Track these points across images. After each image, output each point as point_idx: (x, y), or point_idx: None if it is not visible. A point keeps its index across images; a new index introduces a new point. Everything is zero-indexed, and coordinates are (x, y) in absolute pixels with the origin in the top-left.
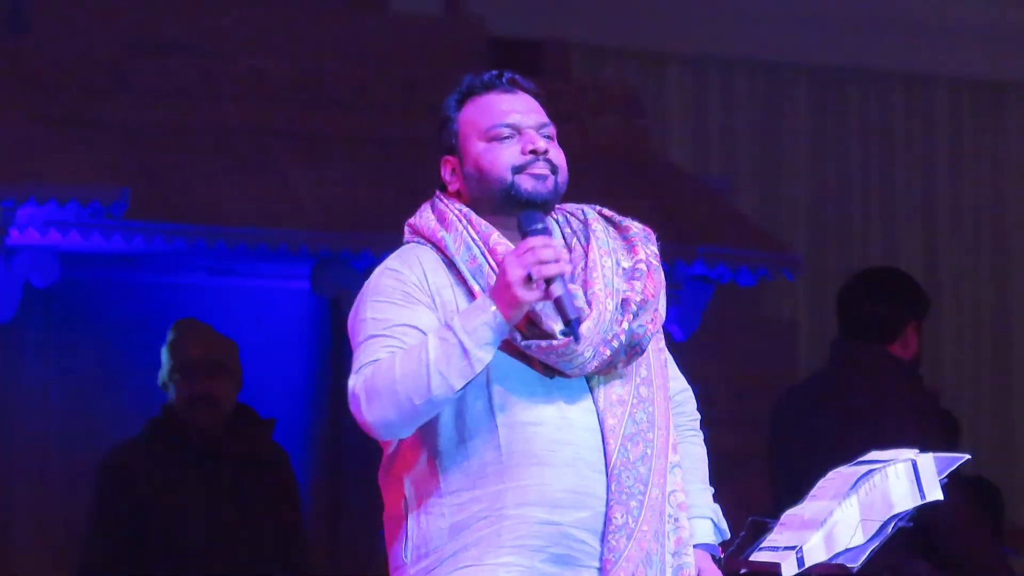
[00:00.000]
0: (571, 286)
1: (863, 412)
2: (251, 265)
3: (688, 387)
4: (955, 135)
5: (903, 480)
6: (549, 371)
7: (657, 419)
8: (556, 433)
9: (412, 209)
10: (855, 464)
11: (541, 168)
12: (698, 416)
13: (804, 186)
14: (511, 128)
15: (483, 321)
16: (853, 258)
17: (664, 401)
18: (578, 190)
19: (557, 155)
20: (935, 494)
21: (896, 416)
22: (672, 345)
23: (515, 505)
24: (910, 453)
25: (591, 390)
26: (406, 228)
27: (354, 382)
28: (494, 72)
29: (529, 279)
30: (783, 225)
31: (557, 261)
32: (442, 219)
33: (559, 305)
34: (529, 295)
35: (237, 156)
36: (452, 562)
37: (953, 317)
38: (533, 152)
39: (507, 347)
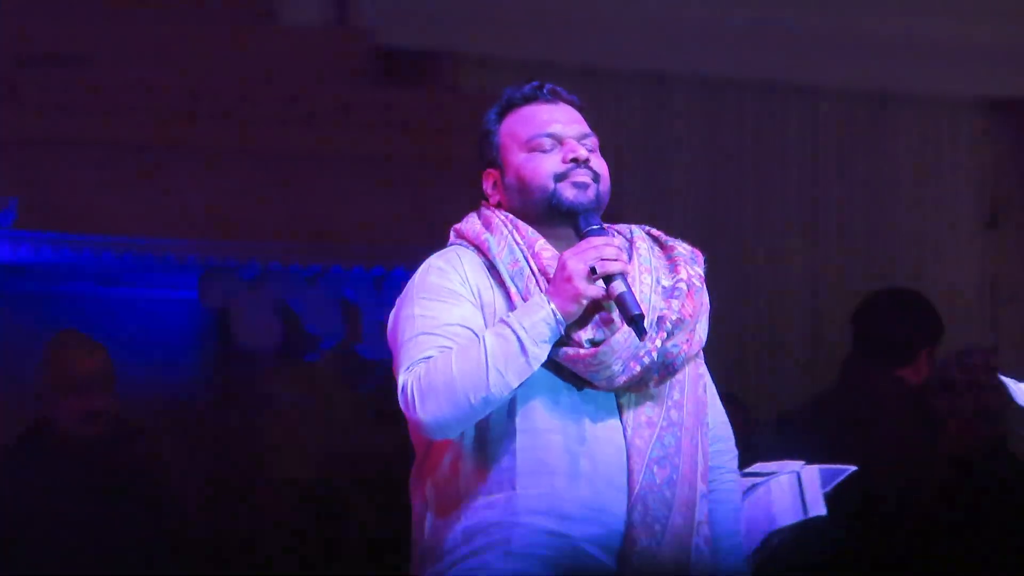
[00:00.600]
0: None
1: (855, 438)
2: (138, 275)
3: (727, 420)
4: (841, 145)
5: (786, 494)
6: (579, 382)
7: (686, 445)
8: (574, 445)
9: (298, 219)
10: (742, 475)
11: (583, 176)
12: (736, 452)
13: (691, 197)
14: (552, 138)
15: (541, 317)
16: (741, 267)
17: (697, 427)
18: (465, 201)
19: (599, 164)
20: (819, 510)
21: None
22: None
23: (526, 513)
24: (795, 465)
25: (620, 408)
26: (451, 233)
27: (405, 379)
28: (535, 83)
29: (591, 273)
30: (671, 235)
31: (617, 260)
32: (487, 224)
33: (621, 302)
34: (591, 290)
35: (124, 167)
36: (463, 566)
37: (837, 332)
38: (574, 160)
39: None
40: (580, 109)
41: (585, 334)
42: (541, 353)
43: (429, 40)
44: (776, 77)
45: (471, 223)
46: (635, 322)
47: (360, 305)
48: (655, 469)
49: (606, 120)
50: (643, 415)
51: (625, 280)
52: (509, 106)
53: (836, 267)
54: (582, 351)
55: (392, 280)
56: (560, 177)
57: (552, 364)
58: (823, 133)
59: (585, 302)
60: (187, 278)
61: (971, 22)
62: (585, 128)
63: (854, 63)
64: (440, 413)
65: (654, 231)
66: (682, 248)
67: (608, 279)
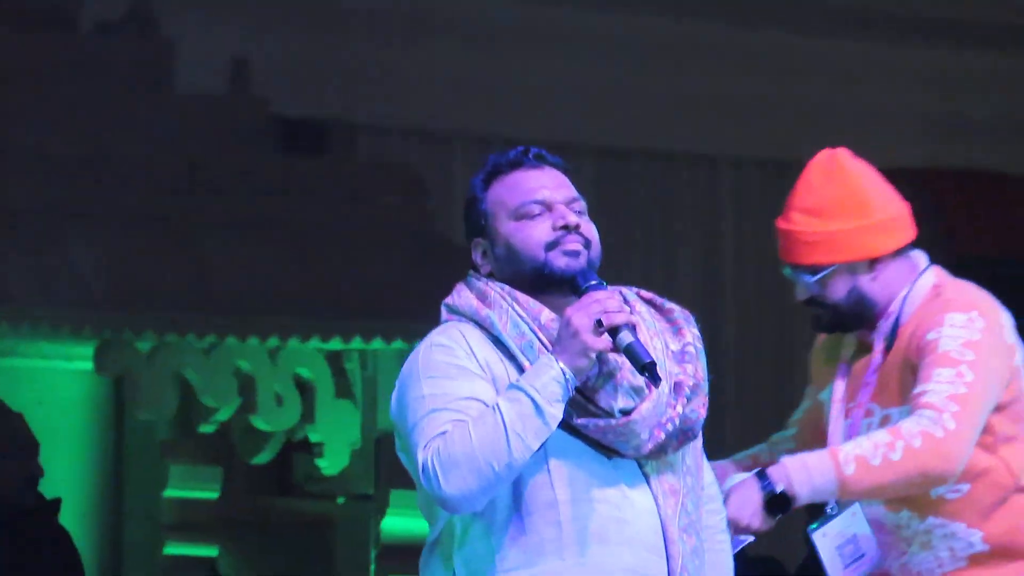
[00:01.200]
0: (628, 364)
1: None
2: (34, 346)
3: (715, 479)
4: (738, 214)
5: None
6: (607, 452)
7: (700, 511)
8: (617, 512)
9: (196, 289)
10: None
11: (573, 243)
12: (724, 513)
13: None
14: (541, 204)
15: (551, 376)
16: None
17: (700, 491)
18: (362, 271)
19: (589, 229)
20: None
21: None
22: None
23: None
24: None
25: (645, 476)
26: (442, 308)
27: (425, 456)
28: (520, 149)
29: (597, 326)
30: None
31: (621, 311)
32: (483, 297)
33: (631, 352)
34: (598, 343)
35: (21, 234)
36: None
37: (734, 403)
38: (564, 228)
39: (565, 425)
40: (565, 171)
41: (616, 403)
42: (556, 412)
43: (327, 109)
44: (675, 148)
45: (464, 297)
46: (648, 370)
47: (256, 376)
48: (684, 537)
49: None
50: (666, 483)
51: (632, 331)
52: (495, 173)
53: (735, 339)
54: (613, 421)
55: (287, 350)
56: (551, 246)
57: (580, 434)
58: (723, 199)
59: (594, 355)
60: (83, 348)
61: (868, 91)
62: (572, 192)
63: (752, 130)
64: (465, 485)
65: (645, 293)
66: (677, 310)
67: (614, 331)
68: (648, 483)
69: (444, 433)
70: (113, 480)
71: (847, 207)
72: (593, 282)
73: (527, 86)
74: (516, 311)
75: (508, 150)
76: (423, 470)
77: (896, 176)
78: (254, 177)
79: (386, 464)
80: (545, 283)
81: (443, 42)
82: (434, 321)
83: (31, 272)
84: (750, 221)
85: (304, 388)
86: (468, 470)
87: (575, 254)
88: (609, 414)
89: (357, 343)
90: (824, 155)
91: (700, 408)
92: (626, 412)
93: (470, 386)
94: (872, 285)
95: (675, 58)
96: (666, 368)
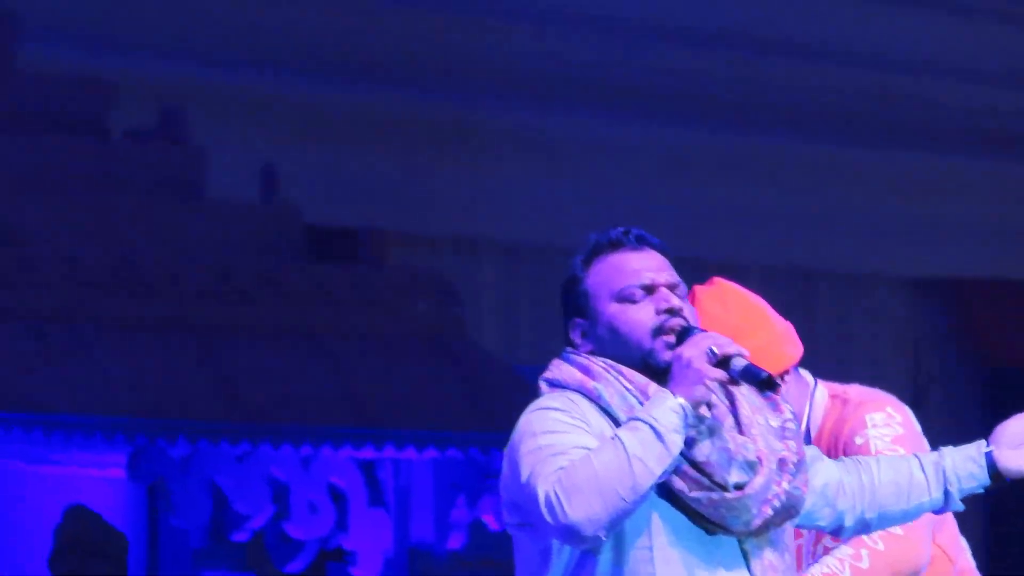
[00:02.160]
0: (739, 438)
1: None
2: (67, 453)
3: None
4: None
5: None
6: (711, 527)
7: None
8: None
9: (228, 397)
10: None
11: (677, 325)
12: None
13: None
14: (644, 288)
15: (668, 407)
16: None
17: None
18: (393, 379)
19: (690, 313)
20: None
21: None
22: (487, 534)
23: None
24: None
25: (744, 554)
26: (542, 383)
27: (546, 488)
28: (621, 229)
29: (711, 356)
30: None
31: (731, 344)
32: (587, 371)
33: (747, 373)
34: (713, 371)
35: (53, 343)
36: None
37: None
38: (668, 311)
39: (671, 498)
40: (665, 253)
41: (730, 477)
42: (678, 439)
43: (357, 217)
44: (703, 256)
45: (567, 372)
46: (769, 384)
47: (289, 484)
48: None
49: (532, 298)
50: (766, 560)
51: (743, 357)
52: (595, 253)
53: None
54: (728, 495)
55: (320, 458)
56: (656, 331)
57: (687, 509)
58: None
59: (709, 384)
60: (116, 455)
61: (898, 203)
62: (674, 276)
63: (781, 241)
64: (591, 509)
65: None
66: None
67: (726, 362)
68: (747, 562)
69: (564, 467)
70: None
71: (754, 324)
72: (696, 331)
73: (554, 195)
74: (623, 383)
75: (608, 230)
76: (545, 501)
77: (927, 287)
78: (285, 285)
79: (419, 572)
80: (650, 371)
81: (472, 153)
82: (466, 429)
83: (63, 380)
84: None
85: (337, 496)
86: (593, 494)
87: (676, 344)
88: (724, 488)
89: (390, 451)
90: (706, 289)
91: (803, 486)
92: (739, 487)
93: (586, 439)
94: None
95: (704, 169)
96: (770, 444)
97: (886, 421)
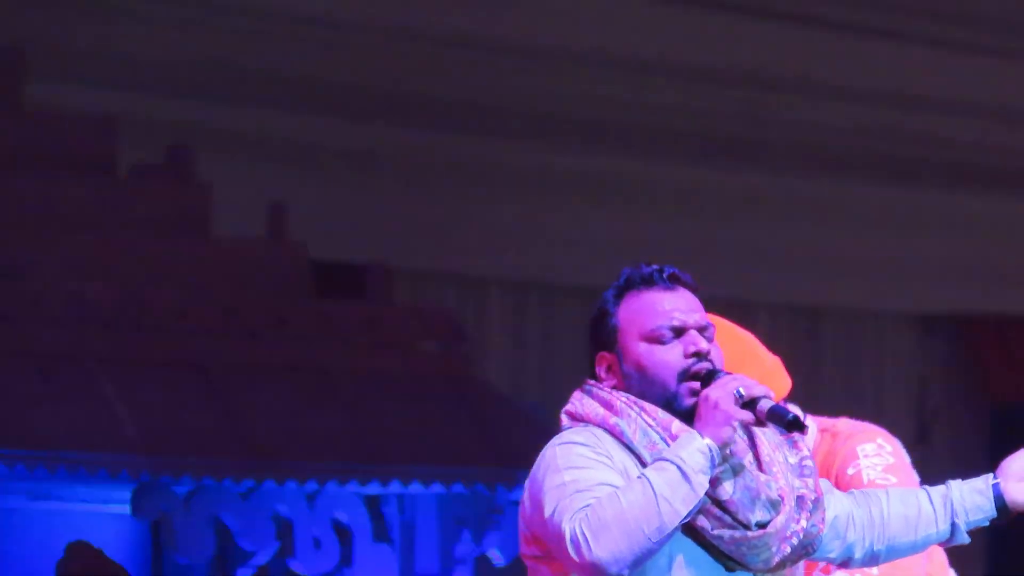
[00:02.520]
0: (762, 476)
1: None
2: (71, 489)
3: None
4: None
5: None
6: (730, 564)
7: None
8: None
9: (233, 433)
10: None
11: (703, 368)
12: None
13: None
14: (673, 330)
15: (696, 447)
16: None
17: None
18: (400, 416)
19: (717, 356)
20: None
21: None
22: (492, 569)
23: None
24: None
25: None
26: (563, 416)
27: (572, 525)
28: (655, 267)
29: (738, 398)
30: None
31: (757, 385)
32: (609, 406)
33: (774, 415)
34: (740, 413)
35: (57, 379)
36: None
37: None
38: (696, 355)
39: (693, 535)
40: (696, 292)
41: (753, 517)
42: (704, 481)
43: (363, 253)
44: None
45: (589, 406)
46: (796, 425)
47: (293, 520)
48: None
49: (539, 335)
50: None
51: (769, 398)
52: (628, 288)
53: None
54: (750, 533)
55: (325, 495)
56: (682, 376)
57: (707, 546)
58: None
59: (736, 425)
60: (120, 492)
61: (903, 239)
62: (704, 318)
63: (788, 278)
64: (616, 547)
65: None
66: None
67: (753, 403)
68: None
69: (590, 504)
70: None
71: (744, 358)
72: (722, 373)
73: (562, 233)
74: (645, 420)
75: (642, 265)
76: (571, 539)
77: (933, 323)
78: (291, 322)
79: None
80: (673, 413)
81: (479, 189)
82: (472, 464)
83: (67, 417)
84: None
85: (342, 532)
86: (619, 533)
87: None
88: (746, 527)
89: (395, 487)
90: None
91: (820, 523)
92: (762, 525)
93: (611, 476)
94: None
95: (712, 206)
96: (789, 482)
97: (877, 451)
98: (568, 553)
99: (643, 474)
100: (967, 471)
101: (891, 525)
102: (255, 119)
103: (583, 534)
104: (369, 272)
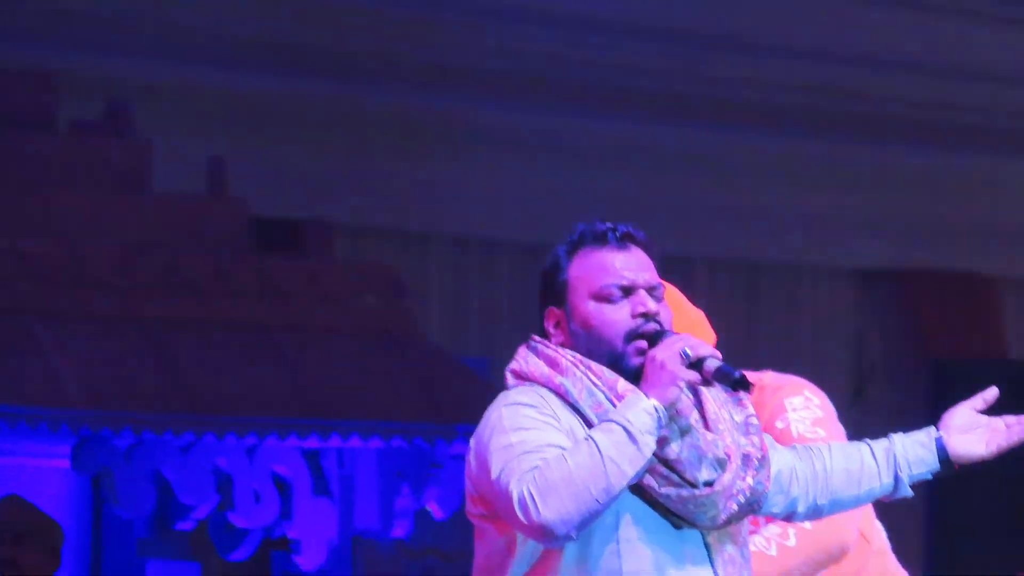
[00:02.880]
0: (709, 435)
1: None
2: (11, 443)
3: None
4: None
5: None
6: (678, 522)
7: None
8: None
9: (173, 388)
10: None
11: (650, 329)
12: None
13: None
14: (622, 290)
15: (642, 408)
16: None
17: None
18: (340, 371)
19: (666, 315)
20: None
21: None
22: (432, 523)
23: None
24: None
25: (707, 547)
26: (508, 375)
27: (520, 487)
28: (609, 225)
29: (683, 358)
30: None
31: (704, 345)
32: (554, 365)
33: (721, 374)
34: (687, 373)
35: None
36: None
37: None
38: (644, 315)
39: (640, 493)
40: (648, 250)
41: (700, 475)
42: (651, 441)
43: (303, 209)
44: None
45: (534, 364)
46: (742, 384)
47: (233, 474)
48: None
49: (480, 290)
50: (726, 553)
51: (716, 358)
52: (580, 244)
53: None
54: (697, 492)
55: (265, 449)
56: (629, 336)
57: (655, 504)
58: (694, 301)
59: (683, 385)
60: (61, 446)
61: (841, 195)
62: (654, 277)
63: (726, 233)
64: (564, 509)
65: None
66: None
67: (699, 363)
68: (709, 555)
69: (538, 467)
70: None
71: (672, 310)
72: (671, 334)
73: (501, 187)
74: (591, 379)
75: (596, 222)
76: (519, 501)
77: (871, 279)
78: (231, 277)
79: (363, 561)
80: (619, 372)
81: (421, 146)
82: (411, 419)
83: (8, 373)
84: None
85: (282, 486)
86: (567, 494)
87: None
88: (693, 485)
89: (335, 441)
90: None
91: (766, 481)
92: (709, 483)
93: (557, 437)
94: None
95: (649, 162)
96: (735, 439)
97: (805, 405)
98: (516, 515)
99: (590, 435)
100: (904, 426)
101: (834, 479)
102: (195, 75)
103: (531, 496)
104: (309, 228)
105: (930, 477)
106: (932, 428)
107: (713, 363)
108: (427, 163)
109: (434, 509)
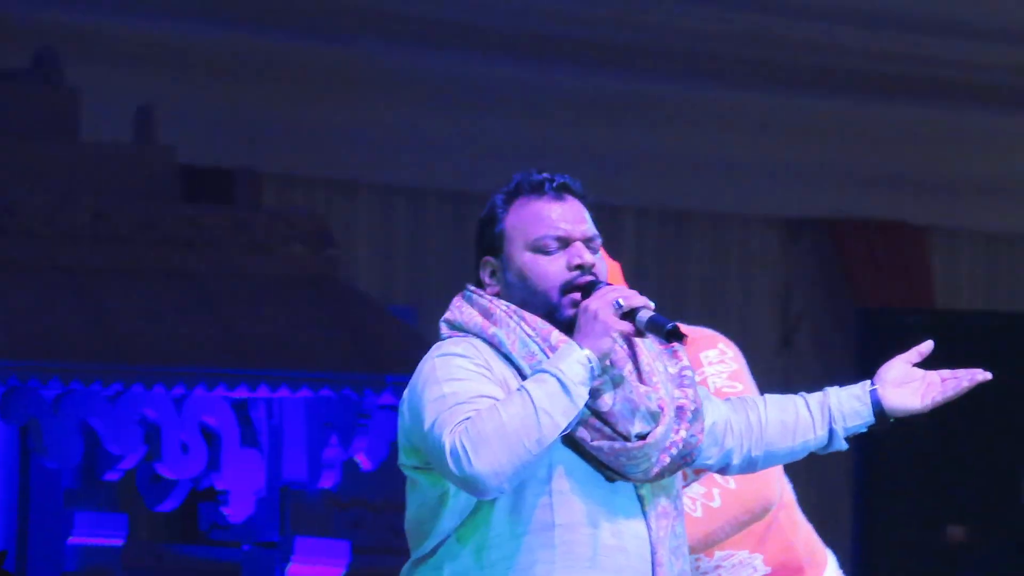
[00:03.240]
0: (642, 388)
1: None
2: None
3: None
4: (637, 262)
5: None
6: (610, 475)
7: (686, 534)
8: (611, 539)
9: (101, 338)
10: None
11: (584, 280)
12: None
13: None
14: (559, 241)
15: (575, 359)
16: None
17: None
18: (268, 321)
19: (601, 267)
20: None
21: None
22: (360, 473)
23: None
24: None
25: (640, 499)
26: (443, 325)
27: (452, 439)
28: (546, 176)
29: (617, 308)
30: None
31: (637, 296)
32: (488, 315)
33: (653, 324)
34: (620, 324)
35: None
36: None
37: None
38: (579, 267)
39: (573, 446)
40: (584, 200)
41: (633, 428)
42: (583, 392)
43: (233, 158)
44: None
45: (468, 314)
46: (675, 335)
47: (161, 425)
48: (672, 560)
49: (408, 239)
50: (659, 505)
51: (649, 308)
52: (517, 194)
53: None
54: (629, 445)
55: (193, 399)
56: (564, 288)
57: (588, 457)
58: (622, 249)
59: (616, 335)
60: None
61: (768, 143)
62: (591, 228)
63: (654, 182)
64: (496, 460)
65: None
66: None
67: (632, 313)
68: (642, 507)
69: (470, 418)
70: (17, 527)
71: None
72: (604, 285)
73: (430, 136)
74: (524, 330)
75: (533, 172)
76: (451, 453)
77: (798, 228)
78: (159, 226)
79: (291, 511)
80: (553, 323)
81: (347, 91)
82: (339, 369)
83: None
84: (652, 269)
85: (210, 436)
86: (499, 446)
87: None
88: (626, 438)
89: (263, 391)
90: None
91: (699, 433)
92: (641, 436)
93: (490, 388)
94: None
95: (576, 110)
96: (669, 392)
97: (720, 358)
98: (448, 466)
99: (522, 386)
100: (832, 375)
101: (769, 431)
102: (124, 23)
103: (463, 447)
104: (238, 176)
105: (865, 430)
106: (867, 382)
107: (646, 313)
108: (356, 112)
109: (362, 460)
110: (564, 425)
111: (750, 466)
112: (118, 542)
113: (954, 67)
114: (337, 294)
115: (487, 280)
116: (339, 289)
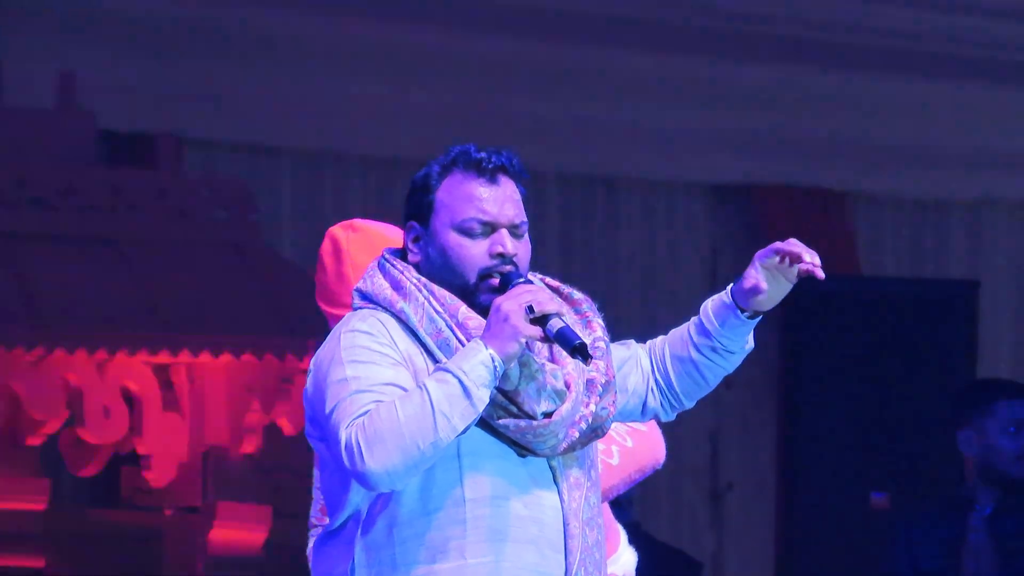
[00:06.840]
0: (549, 365)
1: None
2: None
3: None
4: (565, 228)
5: None
6: (519, 450)
7: (600, 504)
8: (523, 510)
9: (23, 302)
10: None
11: (504, 269)
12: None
13: None
14: (484, 226)
15: (480, 360)
16: None
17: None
18: (190, 286)
19: (524, 254)
20: None
21: None
22: (282, 438)
23: None
24: None
25: (552, 470)
26: (355, 294)
27: (348, 434)
28: (483, 154)
29: (528, 313)
30: None
31: (551, 301)
32: (397, 287)
33: (561, 337)
34: (529, 329)
35: None
36: None
37: None
38: (500, 256)
39: (481, 424)
40: (518, 180)
41: (539, 407)
42: (484, 396)
43: (155, 123)
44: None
45: (379, 286)
46: (580, 351)
47: (83, 389)
48: (587, 531)
49: (332, 204)
50: (571, 477)
51: (560, 318)
52: (453, 166)
53: None
54: (535, 423)
55: (115, 364)
56: (483, 274)
57: (497, 433)
58: (548, 217)
59: (523, 341)
60: None
61: (695, 109)
62: (521, 214)
63: (580, 148)
64: (389, 461)
65: (551, 281)
66: (582, 297)
67: (544, 319)
68: (554, 478)
69: (368, 412)
70: None
71: None
72: (522, 280)
73: (356, 102)
74: (432, 305)
75: (473, 147)
76: (346, 447)
77: (724, 193)
78: (80, 191)
79: (213, 476)
80: (469, 305)
81: (272, 57)
82: (261, 334)
83: None
84: (578, 236)
85: (132, 401)
86: (393, 446)
87: (501, 291)
88: (531, 416)
89: (185, 356)
90: (351, 235)
91: (611, 405)
92: (547, 414)
93: (393, 373)
94: None
95: (503, 76)
96: (579, 366)
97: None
98: (342, 459)
99: (423, 385)
100: (758, 340)
101: (666, 356)
102: None
103: (358, 444)
104: (159, 141)
105: (747, 320)
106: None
107: (556, 323)
108: (279, 76)
109: (284, 425)
110: (461, 428)
111: (672, 397)
112: (40, 507)
113: (875, 33)
114: (260, 259)
115: (410, 246)
116: (262, 254)
